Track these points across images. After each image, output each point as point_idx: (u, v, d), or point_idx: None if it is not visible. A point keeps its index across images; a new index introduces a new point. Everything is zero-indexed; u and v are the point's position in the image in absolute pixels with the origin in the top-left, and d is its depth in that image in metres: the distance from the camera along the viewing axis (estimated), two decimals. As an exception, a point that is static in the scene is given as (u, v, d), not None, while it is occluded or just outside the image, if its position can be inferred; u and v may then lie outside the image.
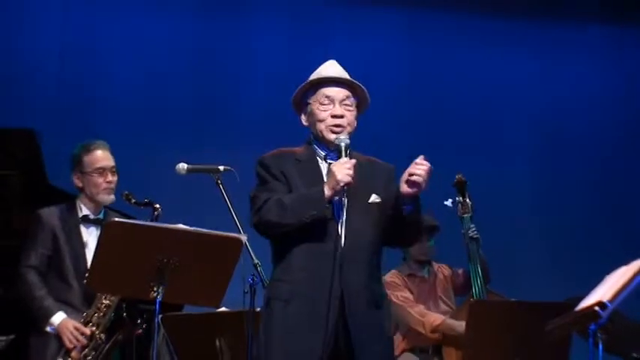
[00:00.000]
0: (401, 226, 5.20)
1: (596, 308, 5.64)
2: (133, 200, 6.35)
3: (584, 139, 9.98)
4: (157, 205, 6.33)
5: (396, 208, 5.11)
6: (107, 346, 6.15)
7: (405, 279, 7.48)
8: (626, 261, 5.69)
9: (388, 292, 7.31)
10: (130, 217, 6.16)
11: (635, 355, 7.12)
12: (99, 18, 9.68)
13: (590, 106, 10.09)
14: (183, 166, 6.18)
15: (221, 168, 6.17)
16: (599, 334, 5.75)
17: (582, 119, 10.05)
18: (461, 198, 7.34)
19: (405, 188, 4.99)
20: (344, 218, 5.10)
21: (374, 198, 5.17)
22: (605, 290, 5.75)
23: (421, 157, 5.01)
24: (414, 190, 4.98)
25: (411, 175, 4.96)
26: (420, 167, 4.96)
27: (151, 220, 6.25)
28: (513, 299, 7.09)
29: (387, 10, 9.92)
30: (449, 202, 7.33)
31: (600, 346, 5.79)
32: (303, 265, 5.09)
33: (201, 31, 9.81)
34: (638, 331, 7.10)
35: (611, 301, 5.61)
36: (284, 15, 9.84)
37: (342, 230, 5.08)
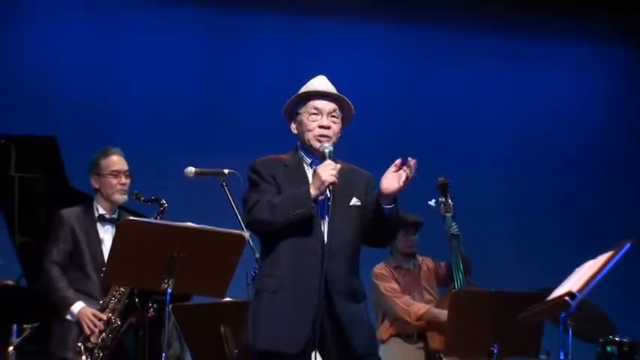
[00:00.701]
0: (380, 227, 5.21)
1: (566, 298, 5.67)
2: (142, 198, 6.37)
3: (553, 146, 10.00)
4: (163, 201, 6.35)
5: (377, 209, 5.11)
6: (122, 330, 6.17)
7: (392, 270, 7.49)
8: (591, 255, 5.73)
9: (377, 282, 7.38)
10: (141, 216, 6.20)
11: (601, 339, 7.17)
12: (119, 39, 9.71)
13: (559, 115, 10.11)
14: (191, 170, 6.22)
15: (226, 171, 6.21)
16: (569, 322, 5.81)
17: (552, 127, 10.07)
18: (443, 198, 7.36)
19: (385, 188, 5.00)
20: (327, 218, 5.10)
21: (354, 201, 5.19)
22: (575, 281, 5.78)
23: (400, 160, 5.01)
24: (393, 190, 5.01)
25: (389, 177, 4.99)
26: (408, 168, 4.96)
27: (158, 214, 6.33)
28: (492, 290, 7.15)
29: (374, 26, 9.95)
30: (432, 202, 7.35)
31: (570, 332, 5.85)
32: (289, 259, 5.09)
33: (208, 51, 9.84)
34: (605, 319, 7.12)
35: (580, 291, 5.64)
36: (281, 35, 9.87)
37: (325, 229, 5.09)
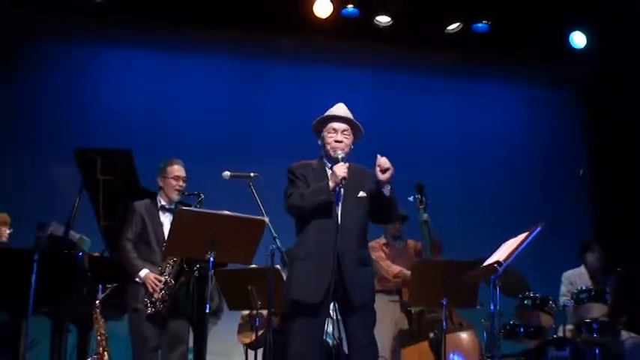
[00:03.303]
0: (383, 206, 5.32)
1: (495, 265, 5.76)
2: (186, 193, 6.37)
3: (490, 156, 10.00)
4: (201, 194, 6.33)
5: (379, 193, 5.23)
6: (176, 287, 6.16)
7: (382, 245, 7.47)
8: (514, 234, 5.85)
9: (370, 252, 7.43)
10: (187, 205, 6.25)
11: (520, 295, 7.20)
12: (173, 81, 9.76)
13: (493, 135, 10.12)
14: (227, 173, 6.21)
15: (252, 174, 6.19)
16: (497, 282, 5.86)
17: (489, 143, 10.07)
18: (419, 196, 7.31)
19: (380, 176, 5.16)
20: (341, 205, 5.23)
21: (361, 194, 5.31)
22: (501, 253, 5.83)
23: (378, 155, 5.18)
24: (386, 177, 5.15)
25: (380, 166, 5.14)
26: (384, 161, 5.15)
27: (196, 205, 6.30)
28: (442, 259, 7.16)
29: (361, 73, 9.98)
30: (411, 198, 7.33)
31: (498, 290, 5.89)
32: (314, 235, 5.22)
33: (238, 87, 9.84)
34: (523, 280, 7.11)
35: (505, 260, 5.70)
36: (291, 79, 9.88)
37: (339, 212, 5.22)
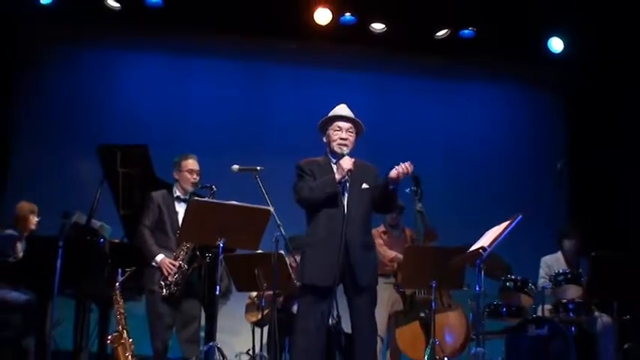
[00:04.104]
0: (386, 199, 5.37)
1: (480, 250, 5.78)
2: (200, 185, 6.38)
3: (473, 149, 9.99)
4: (214, 187, 6.33)
5: (386, 187, 5.27)
6: (189, 271, 6.19)
7: (381, 233, 7.45)
8: (497, 222, 5.86)
9: None
10: (200, 196, 6.26)
11: (502, 277, 7.15)
12: (184, 83, 9.73)
13: (484, 135, 10.09)
14: (235, 167, 6.22)
15: (258, 168, 6.21)
16: (482, 266, 5.87)
17: (473, 138, 10.06)
18: (414, 187, 7.29)
19: (392, 175, 5.17)
20: (347, 196, 5.27)
21: (364, 186, 5.35)
22: (485, 239, 5.85)
23: (409, 162, 5.22)
24: (397, 177, 5.18)
25: (399, 169, 5.16)
26: (407, 168, 5.18)
27: (209, 196, 6.28)
28: (431, 245, 7.13)
29: (357, 75, 9.97)
30: (408, 190, 7.32)
31: (482, 273, 5.90)
32: (323, 224, 5.26)
33: (244, 88, 9.82)
34: (505, 264, 7.12)
35: (489, 246, 5.72)
36: (293, 80, 9.85)
37: (345, 202, 5.25)
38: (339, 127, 5.43)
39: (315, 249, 5.26)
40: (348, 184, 5.28)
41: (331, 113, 5.50)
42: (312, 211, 5.34)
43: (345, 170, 5.21)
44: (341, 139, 5.39)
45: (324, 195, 5.22)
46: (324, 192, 5.22)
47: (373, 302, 5.37)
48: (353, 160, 5.29)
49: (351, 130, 5.44)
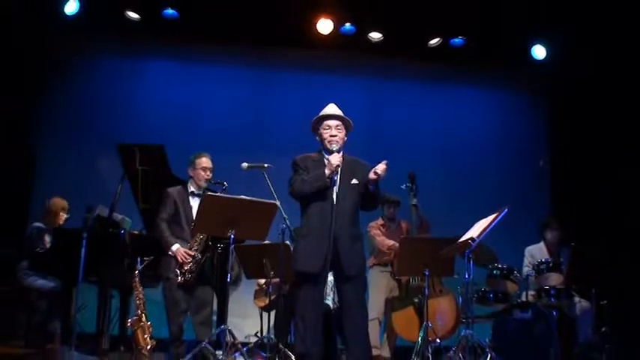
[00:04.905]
0: (367, 199, 5.33)
1: (469, 241, 5.77)
2: (213, 181, 6.33)
3: (466, 147, 9.93)
4: (225, 183, 6.30)
5: (366, 188, 5.25)
6: (202, 260, 6.16)
7: (379, 225, 7.43)
8: (485, 215, 5.84)
9: (368, 230, 7.31)
10: (213, 191, 6.26)
11: (490, 266, 7.14)
12: (198, 89, 9.69)
13: (473, 135, 10.04)
14: (245, 164, 6.24)
15: (265, 165, 6.24)
16: (470, 255, 5.86)
17: (465, 138, 10.00)
18: (410, 184, 7.26)
19: (371, 176, 5.15)
20: (337, 190, 5.20)
21: (354, 181, 5.30)
22: (474, 231, 5.85)
23: (385, 161, 5.17)
24: (376, 178, 5.15)
25: (375, 171, 5.13)
26: (382, 168, 5.13)
27: (221, 192, 6.27)
28: (424, 236, 7.13)
29: (356, 80, 9.94)
30: (403, 186, 7.27)
31: (471, 262, 5.89)
32: (314, 216, 5.22)
33: (253, 93, 9.78)
34: (492, 254, 7.07)
35: (477, 237, 5.72)
36: (297, 85, 9.82)
37: (334, 196, 5.18)
38: (328, 125, 5.39)
39: (306, 239, 5.22)
40: (337, 179, 5.22)
41: (321, 113, 5.47)
42: (304, 203, 5.29)
43: (334, 166, 5.15)
44: (330, 136, 5.35)
45: (314, 188, 5.18)
46: (315, 186, 5.18)
47: (362, 289, 5.33)
48: (341, 155, 5.25)
49: (339, 127, 5.39)
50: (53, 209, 7.23)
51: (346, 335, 5.26)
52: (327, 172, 5.17)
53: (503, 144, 10.06)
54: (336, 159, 5.18)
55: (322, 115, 5.44)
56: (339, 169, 5.20)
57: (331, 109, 5.47)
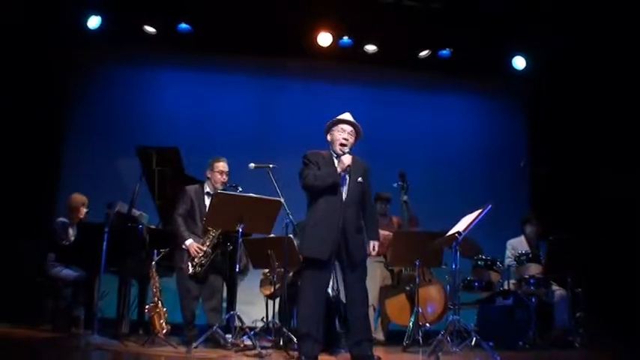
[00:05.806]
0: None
1: (456, 235, 5.77)
2: (228, 184, 6.30)
3: (456, 154, 9.91)
4: (239, 187, 6.26)
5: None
6: (213, 254, 6.17)
7: None
8: (470, 211, 5.82)
9: None
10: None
11: (475, 257, 7.18)
12: (208, 95, 9.65)
13: (459, 138, 10.01)
14: (252, 165, 6.24)
15: (271, 165, 6.24)
16: (457, 248, 5.86)
17: (455, 145, 9.97)
18: (401, 182, 7.28)
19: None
20: (346, 186, 5.23)
21: (359, 179, 5.30)
22: (460, 225, 5.85)
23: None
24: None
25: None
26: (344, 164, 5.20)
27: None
28: (414, 230, 7.14)
29: (356, 89, 9.91)
30: (395, 184, 7.29)
31: (458, 253, 5.89)
32: (323, 207, 5.19)
33: (259, 100, 9.79)
34: (477, 245, 7.11)
35: (463, 231, 5.72)
36: (301, 93, 9.80)
37: (344, 191, 5.22)
38: (342, 128, 5.38)
39: (314, 228, 5.18)
40: (347, 177, 5.24)
41: (338, 117, 5.46)
42: (314, 195, 5.25)
43: (346, 165, 5.17)
44: (344, 138, 5.34)
45: (327, 184, 5.17)
46: (327, 182, 5.17)
47: (364, 276, 5.31)
48: (352, 157, 5.25)
49: (352, 133, 5.40)
50: (73, 204, 7.20)
51: (350, 320, 5.26)
52: (338, 170, 5.20)
53: (487, 146, 10.03)
54: (348, 159, 5.20)
55: (340, 119, 5.44)
56: (349, 168, 5.22)
57: (348, 116, 5.49)
